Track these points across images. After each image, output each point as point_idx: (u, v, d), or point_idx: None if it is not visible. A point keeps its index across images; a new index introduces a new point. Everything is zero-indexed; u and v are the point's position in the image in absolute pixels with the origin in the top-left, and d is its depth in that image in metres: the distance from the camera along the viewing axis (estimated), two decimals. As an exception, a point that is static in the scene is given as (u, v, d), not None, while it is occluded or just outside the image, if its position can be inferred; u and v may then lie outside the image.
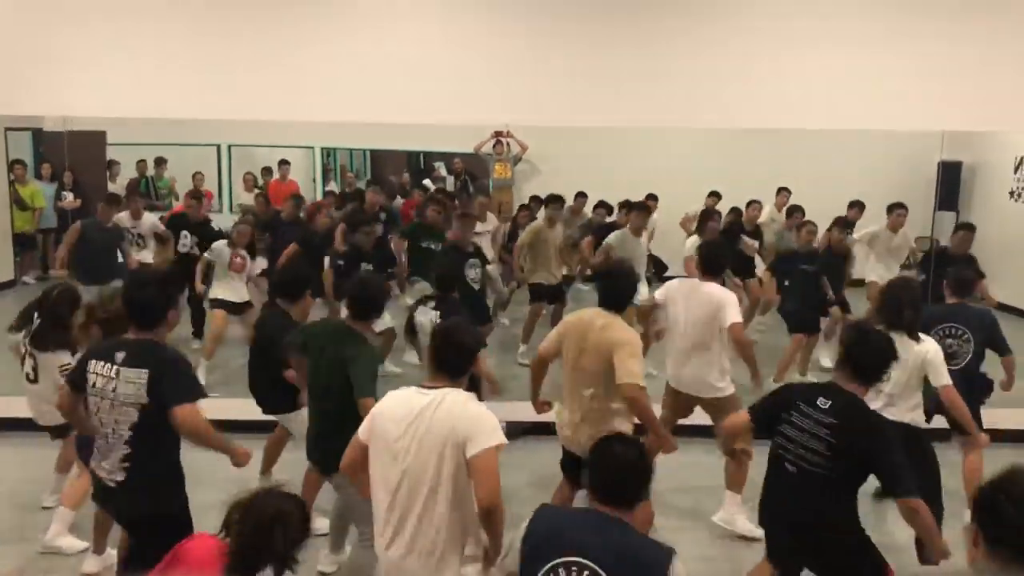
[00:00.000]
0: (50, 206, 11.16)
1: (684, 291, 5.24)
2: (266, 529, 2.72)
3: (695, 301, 5.16)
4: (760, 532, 4.93)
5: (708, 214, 8.52)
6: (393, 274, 8.34)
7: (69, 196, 10.76)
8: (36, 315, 5.10)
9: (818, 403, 3.50)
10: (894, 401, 4.61)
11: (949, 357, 4.86)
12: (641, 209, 8.27)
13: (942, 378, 4.59)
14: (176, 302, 3.80)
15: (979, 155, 11.49)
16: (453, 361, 3.14)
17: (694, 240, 8.10)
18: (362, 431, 3.16)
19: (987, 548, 2.07)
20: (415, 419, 3.03)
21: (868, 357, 3.59)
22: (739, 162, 10.59)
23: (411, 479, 3.01)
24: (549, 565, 2.55)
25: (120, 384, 3.44)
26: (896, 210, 8.65)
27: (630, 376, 4.19)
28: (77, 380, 3.63)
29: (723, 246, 5.83)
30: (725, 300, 5.12)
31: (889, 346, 3.66)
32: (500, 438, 3.01)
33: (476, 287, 7.35)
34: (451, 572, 3.03)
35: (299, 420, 4.95)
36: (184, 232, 8.66)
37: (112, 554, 4.60)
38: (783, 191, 10.29)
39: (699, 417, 5.44)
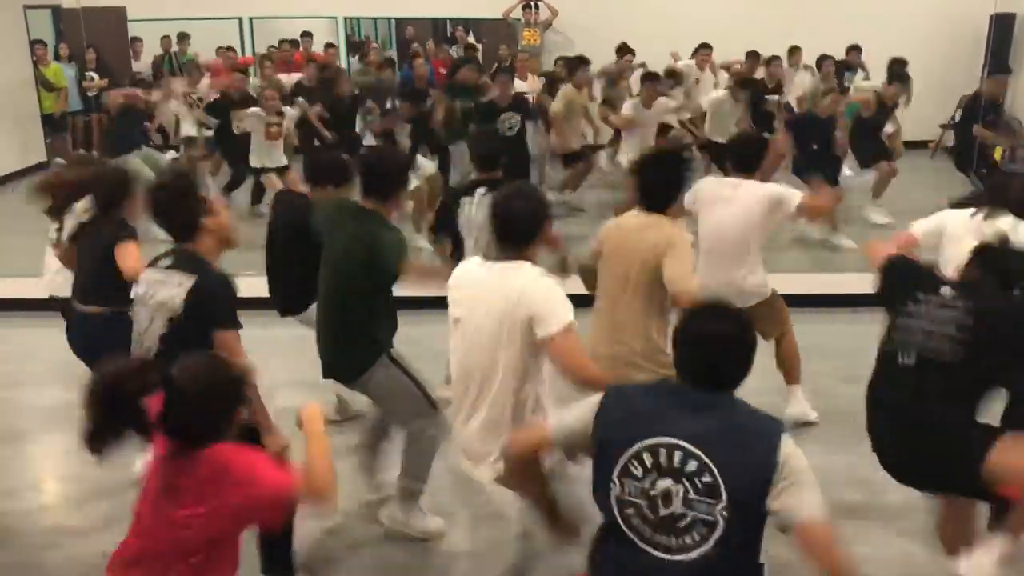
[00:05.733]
0: (74, 88, 11.02)
1: (720, 193, 4.29)
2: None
3: (735, 205, 4.22)
4: (815, 415, 4.56)
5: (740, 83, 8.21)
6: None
7: (95, 77, 10.61)
8: None
9: (942, 292, 2.90)
10: None
11: None
12: (649, 79, 7.93)
13: None
14: (206, 209, 3.21)
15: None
16: (515, 232, 2.85)
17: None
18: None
19: None
20: (479, 291, 2.86)
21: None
22: (777, 19, 10.22)
23: (476, 354, 2.86)
24: (631, 451, 2.15)
25: (163, 288, 3.10)
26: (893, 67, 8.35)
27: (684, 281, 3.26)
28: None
29: (755, 140, 4.73)
30: (778, 193, 4.25)
31: None
32: (568, 315, 2.71)
33: (511, 134, 7.21)
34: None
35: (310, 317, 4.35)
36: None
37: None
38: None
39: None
